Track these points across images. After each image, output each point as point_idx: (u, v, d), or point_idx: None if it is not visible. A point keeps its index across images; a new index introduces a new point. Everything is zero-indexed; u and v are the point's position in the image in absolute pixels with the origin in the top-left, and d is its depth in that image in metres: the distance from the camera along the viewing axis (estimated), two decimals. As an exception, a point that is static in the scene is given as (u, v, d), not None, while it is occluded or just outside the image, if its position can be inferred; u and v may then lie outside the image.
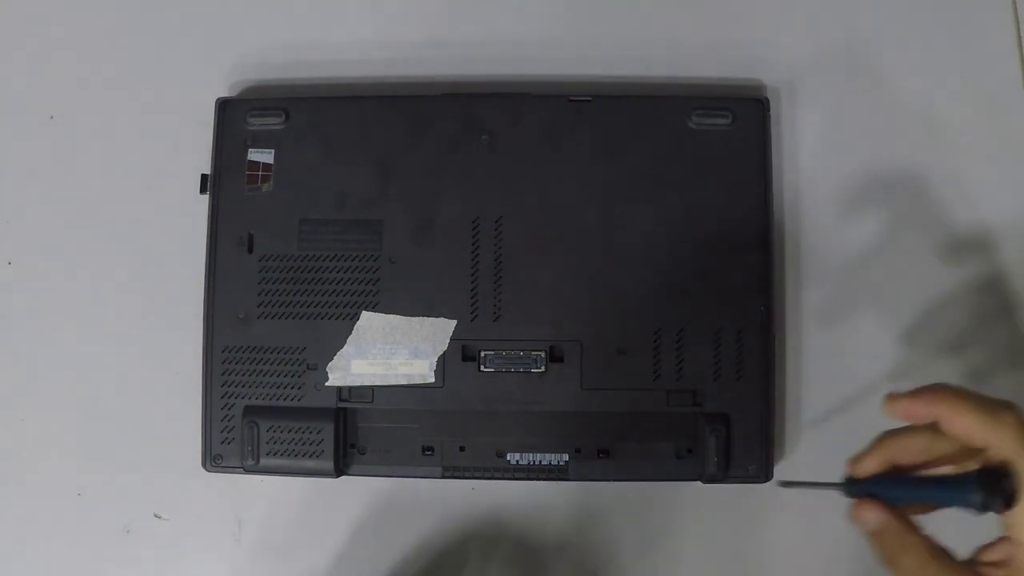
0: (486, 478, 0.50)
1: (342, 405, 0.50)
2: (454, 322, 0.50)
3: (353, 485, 0.52)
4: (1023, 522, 0.35)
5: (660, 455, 0.50)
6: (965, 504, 0.36)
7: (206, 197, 0.52)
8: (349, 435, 0.51)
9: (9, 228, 0.56)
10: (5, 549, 0.53)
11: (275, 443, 0.50)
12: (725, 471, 0.49)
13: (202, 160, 0.53)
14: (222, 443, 0.51)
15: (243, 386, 0.51)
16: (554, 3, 0.56)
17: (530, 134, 0.52)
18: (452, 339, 0.50)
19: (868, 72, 0.55)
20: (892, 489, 0.38)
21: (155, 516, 0.53)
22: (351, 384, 0.50)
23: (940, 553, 0.36)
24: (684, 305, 0.50)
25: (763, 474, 0.49)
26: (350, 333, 0.50)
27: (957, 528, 0.37)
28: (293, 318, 0.51)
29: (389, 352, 0.50)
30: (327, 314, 0.51)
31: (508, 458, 0.50)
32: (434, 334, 0.50)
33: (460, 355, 0.50)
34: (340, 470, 0.50)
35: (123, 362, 0.54)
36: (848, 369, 0.52)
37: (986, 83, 0.55)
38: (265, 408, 0.50)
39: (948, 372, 0.52)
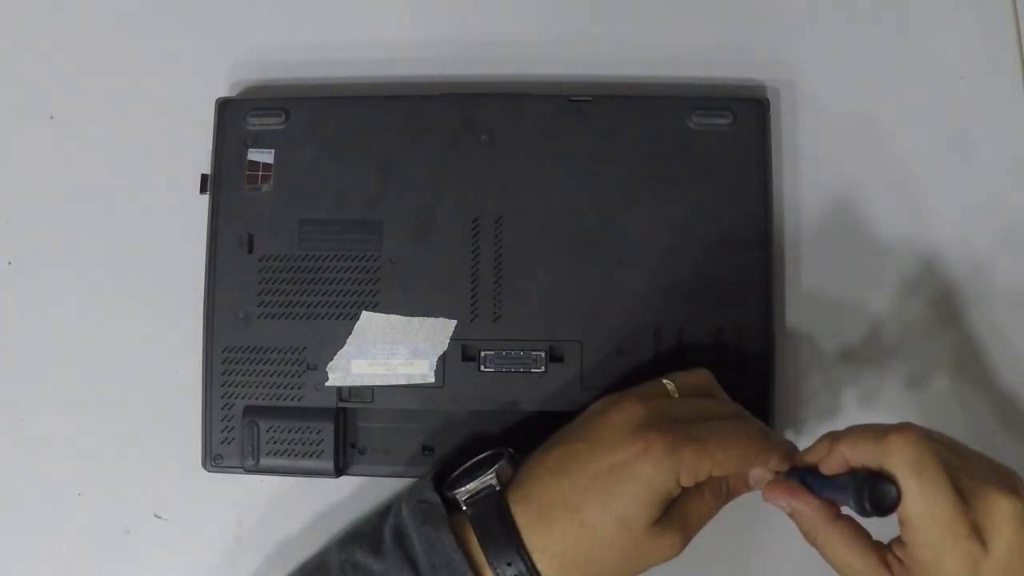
0: (486, 478, 0.50)
1: (342, 405, 0.50)
2: (454, 322, 0.50)
3: (353, 485, 0.52)
4: (909, 524, 0.37)
5: (660, 455, 0.50)
6: (850, 506, 0.38)
7: (206, 197, 0.52)
8: (349, 435, 0.51)
9: (9, 228, 0.56)
10: (5, 549, 0.53)
11: (275, 443, 0.50)
12: (725, 471, 0.49)
13: (202, 160, 0.53)
14: (222, 443, 0.51)
15: (243, 386, 0.51)
16: (554, 3, 0.56)
17: (530, 134, 0.52)
18: (452, 339, 0.50)
19: (868, 72, 0.55)
20: (812, 482, 0.41)
21: (155, 516, 0.53)
22: (351, 384, 0.50)
23: (854, 535, 0.40)
24: (684, 305, 0.50)
25: (763, 474, 0.49)
26: (350, 333, 0.50)
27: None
28: (293, 318, 0.51)
29: (389, 352, 0.50)
30: (327, 314, 0.51)
31: (508, 458, 0.50)
32: (434, 334, 0.50)
33: (460, 355, 0.50)
34: (340, 470, 0.50)
35: (123, 362, 0.54)
36: (848, 368, 0.52)
37: (986, 83, 0.55)
38: (265, 408, 0.50)
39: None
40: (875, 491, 0.37)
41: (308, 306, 0.51)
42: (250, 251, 0.51)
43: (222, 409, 0.51)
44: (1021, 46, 0.55)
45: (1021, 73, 0.55)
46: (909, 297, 0.53)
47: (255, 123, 0.52)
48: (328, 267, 0.51)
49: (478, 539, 0.43)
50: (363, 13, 0.57)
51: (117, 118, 0.56)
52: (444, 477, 0.47)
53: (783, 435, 0.51)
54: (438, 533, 0.43)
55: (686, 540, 0.43)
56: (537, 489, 0.43)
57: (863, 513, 0.37)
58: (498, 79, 0.55)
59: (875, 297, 0.53)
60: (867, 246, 0.53)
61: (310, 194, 0.52)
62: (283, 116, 0.52)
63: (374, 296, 0.51)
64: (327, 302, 0.51)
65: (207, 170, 0.53)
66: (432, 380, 0.50)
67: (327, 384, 0.50)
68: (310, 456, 0.50)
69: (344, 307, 0.51)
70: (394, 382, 0.50)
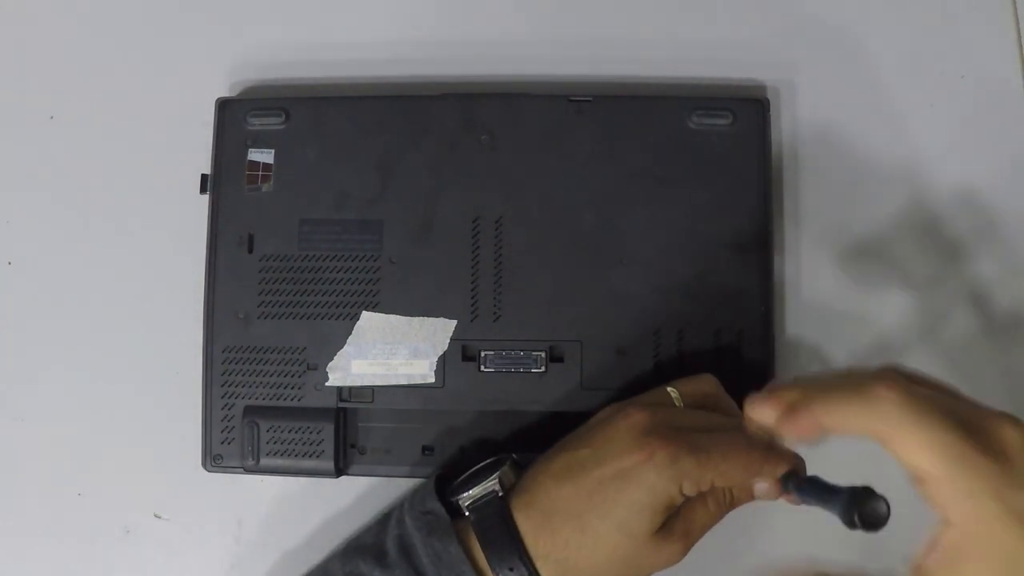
0: (486, 478, 0.50)
1: (342, 405, 0.50)
2: (454, 322, 0.50)
3: (353, 485, 0.52)
4: (941, 500, 0.34)
5: (660, 455, 0.50)
6: (838, 517, 0.37)
7: (206, 197, 0.52)
8: (349, 435, 0.51)
9: (9, 228, 0.56)
10: (5, 549, 0.53)
11: (275, 443, 0.50)
12: (725, 471, 0.49)
13: (202, 160, 0.53)
14: (222, 443, 0.51)
15: (243, 386, 0.51)
16: (554, 3, 0.56)
17: (530, 134, 0.52)
18: (452, 339, 0.50)
19: (868, 72, 0.55)
20: (806, 490, 0.40)
21: (155, 516, 0.53)
22: (351, 384, 0.50)
23: None
24: (684, 305, 0.50)
25: (763, 474, 0.49)
26: (350, 333, 0.50)
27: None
28: (293, 318, 0.51)
29: (389, 352, 0.50)
30: (327, 314, 0.51)
31: (508, 458, 0.50)
32: (434, 334, 0.50)
33: (460, 355, 0.50)
34: (340, 470, 0.50)
35: (123, 362, 0.54)
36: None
37: (986, 83, 0.55)
38: (265, 408, 0.50)
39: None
40: (865, 508, 0.36)
41: (308, 306, 0.51)
42: (250, 251, 0.51)
43: (222, 409, 0.51)
44: (1021, 46, 0.55)
45: (1021, 73, 0.55)
46: (909, 297, 0.53)
47: (255, 123, 0.52)
48: (328, 267, 0.51)
49: (480, 544, 0.43)
50: (363, 13, 0.57)
51: (117, 118, 0.56)
52: (445, 481, 0.47)
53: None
54: (444, 544, 0.43)
55: (687, 548, 0.43)
56: (540, 495, 0.43)
57: (851, 527, 0.36)
58: (498, 79, 0.55)
59: (875, 298, 0.53)
60: (867, 246, 0.53)
61: (310, 194, 0.52)
62: (283, 116, 0.52)
63: (374, 296, 0.51)
64: (327, 302, 0.51)
65: (207, 170, 0.53)
66: (432, 380, 0.50)
67: (327, 384, 0.50)
68: (310, 456, 0.50)
69: (344, 307, 0.51)
70: (394, 382, 0.50)
